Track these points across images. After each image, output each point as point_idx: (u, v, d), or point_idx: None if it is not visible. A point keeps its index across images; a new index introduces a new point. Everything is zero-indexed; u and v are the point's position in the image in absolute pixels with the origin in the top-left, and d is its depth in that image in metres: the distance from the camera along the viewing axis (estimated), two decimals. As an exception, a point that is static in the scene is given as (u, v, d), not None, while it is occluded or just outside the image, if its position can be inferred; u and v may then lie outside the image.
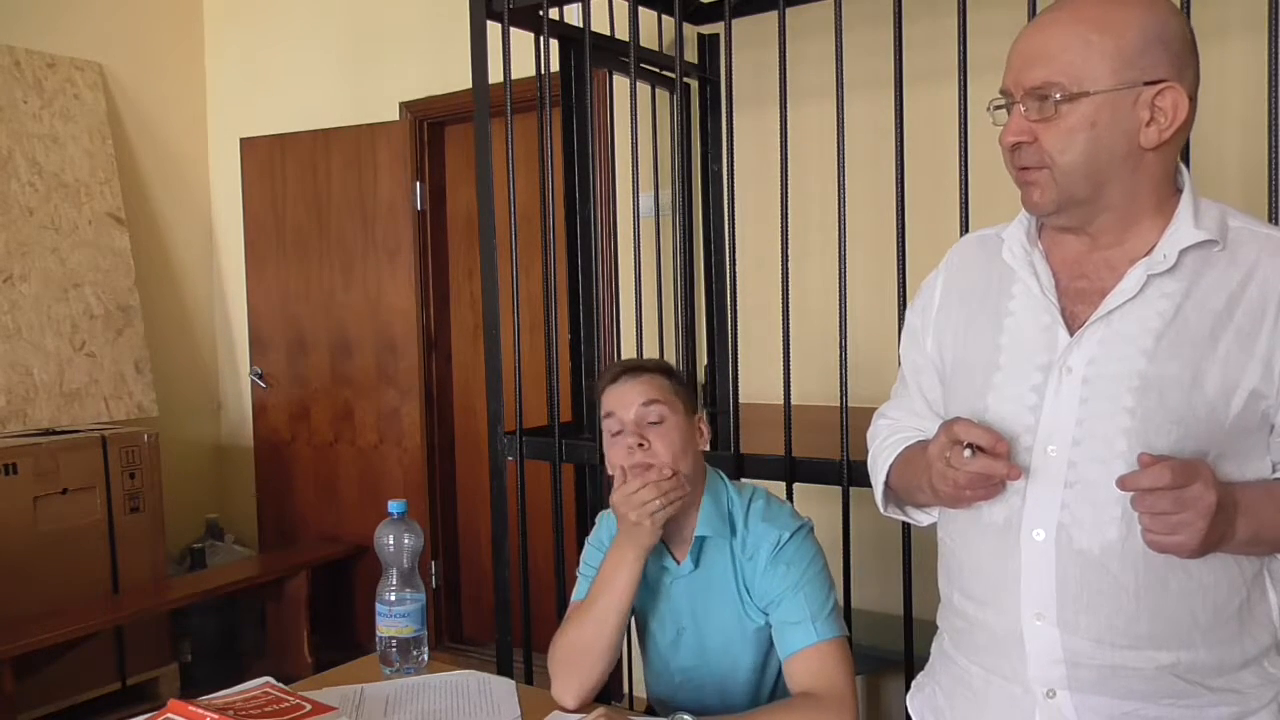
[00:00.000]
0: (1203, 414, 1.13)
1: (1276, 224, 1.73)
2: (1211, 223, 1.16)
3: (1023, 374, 1.21)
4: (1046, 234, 1.27)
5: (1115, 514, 1.15)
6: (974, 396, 1.26)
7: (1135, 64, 1.12)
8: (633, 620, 1.80)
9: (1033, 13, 1.92)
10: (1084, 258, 1.22)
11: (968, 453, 1.14)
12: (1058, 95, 1.13)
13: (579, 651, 1.67)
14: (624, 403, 1.66)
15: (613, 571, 1.65)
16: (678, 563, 1.72)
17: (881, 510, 1.46)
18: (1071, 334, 1.18)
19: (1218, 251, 1.15)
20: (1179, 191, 1.20)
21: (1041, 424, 1.19)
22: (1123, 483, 1.07)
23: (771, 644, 1.67)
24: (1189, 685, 1.17)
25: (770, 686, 1.73)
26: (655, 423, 1.64)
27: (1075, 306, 1.20)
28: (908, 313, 1.45)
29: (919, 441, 1.36)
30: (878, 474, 1.44)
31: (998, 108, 1.22)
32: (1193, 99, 1.15)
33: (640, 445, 1.62)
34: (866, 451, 2.15)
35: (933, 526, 1.47)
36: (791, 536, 1.66)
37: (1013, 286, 1.26)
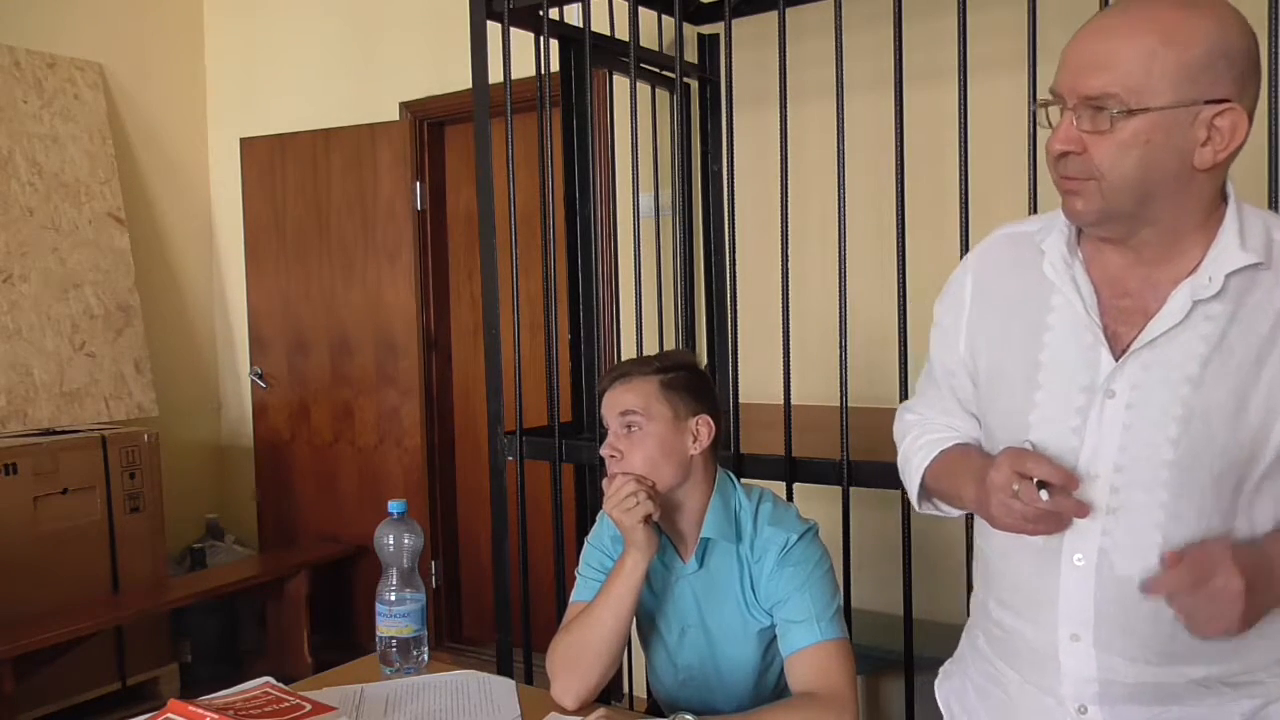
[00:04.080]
0: (1246, 441, 1.11)
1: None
2: (1257, 241, 1.12)
3: (1065, 395, 1.19)
4: (1087, 242, 1.22)
5: (1156, 540, 1.14)
6: (1016, 413, 1.24)
7: (1198, 81, 1.07)
8: (635, 619, 1.80)
9: (1033, 12, 1.92)
10: (1127, 273, 1.18)
11: (1044, 493, 1.12)
12: (1115, 109, 1.07)
13: (579, 653, 1.67)
14: (608, 409, 1.71)
15: (614, 576, 1.68)
16: (683, 562, 1.73)
17: (917, 508, 1.44)
18: (1115, 356, 1.16)
19: (1263, 270, 1.12)
20: (1225, 201, 1.16)
21: (1085, 448, 1.17)
22: (1147, 589, 1.09)
23: (775, 644, 1.68)
24: (1215, 687, 1.19)
25: (772, 686, 1.73)
26: (631, 431, 1.67)
27: (1118, 326, 1.17)
28: (936, 308, 1.41)
29: (957, 445, 1.35)
30: (912, 475, 1.41)
31: (1046, 105, 1.16)
32: (1251, 117, 1.11)
33: (613, 456, 1.68)
34: (867, 451, 2.16)
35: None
36: (799, 539, 1.67)
37: (1052, 297, 1.22)
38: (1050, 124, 1.15)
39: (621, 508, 1.62)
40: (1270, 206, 1.74)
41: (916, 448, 1.41)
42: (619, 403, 1.70)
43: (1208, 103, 1.07)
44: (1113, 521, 1.16)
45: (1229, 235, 1.12)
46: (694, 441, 1.70)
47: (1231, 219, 1.13)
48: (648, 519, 1.64)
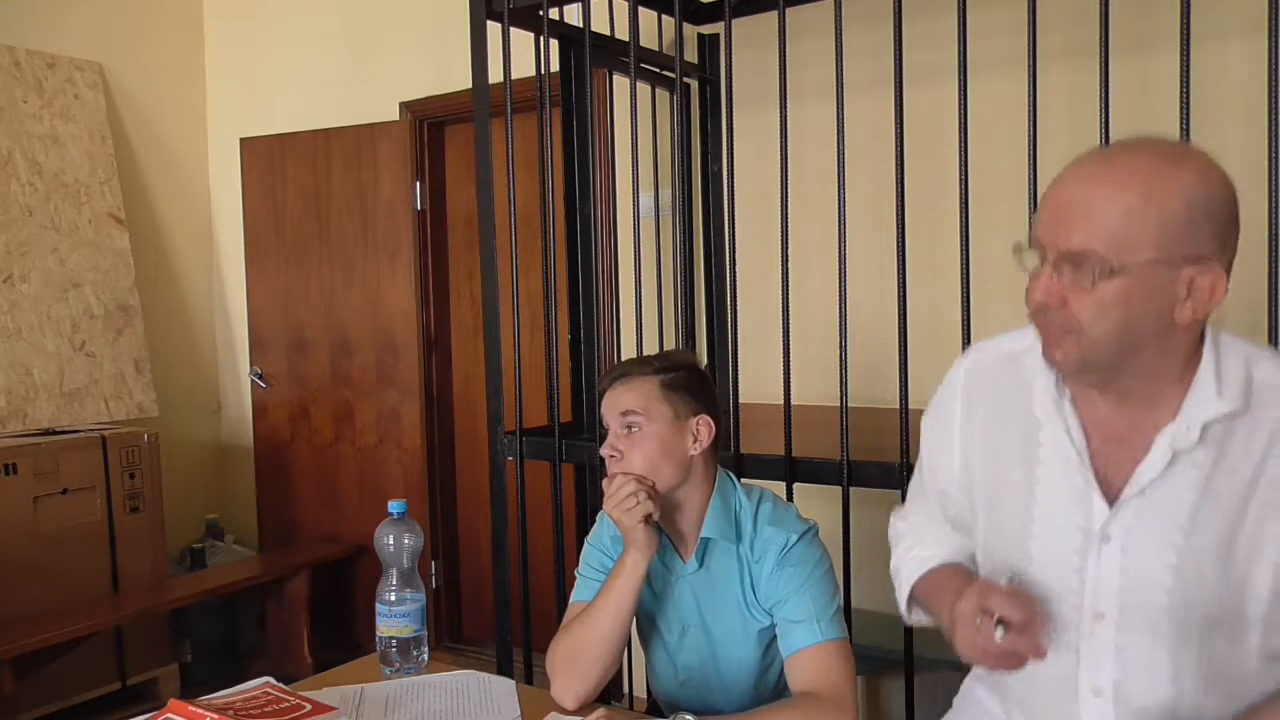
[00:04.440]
0: (1236, 581, 1.14)
1: (1277, 224, 1.73)
2: (1235, 385, 1.13)
3: (1062, 534, 1.21)
4: (1072, 379, 1.23)
5: (1168, 673, 1.17)
6: (1015, 543, 1.26)
7: (1179, 238, 1.06)
8: (635, 619, 1.80)
9: (1033, 12, 1.92)
10: (1114, 416, 1.19)
11: (999, 631, 1.14)
12: (1096, 269, 1.07)
13: (579, 653, 1.67)
14: (609, 410, 1.71)
15: (614, 576, 1.68)
16: (683, 562, 1.73)
17: (906, 617, 1.47)
18: (1109, 501, 1.18)
19: (1240, 416, 1.13)
20: (1203, 343, 1.16)
21: (1087, 588, 1.19)
22: None
23: (775, 644, 1.68)
24: None
25: (772, 686, 1.73)
26: (632, 431, 1.67)
27: (1109, 470, 1.19)
28: (924, 423, 1.42)
29: (946, 565, 1.38)
30: (901, 585, 1.44)
31: (1021, 250, 1.16)
32: (1229, 271, 1.11)
33: (613, 456, 1.68)
34: (867, 451, 2.16)
35: None
36: (799, 539, 1.67)
37: (1041, 432, 1.23)
38: (1025, 267, 1.16)
39: (621, 508, 1.62)
40: (1271, 208, 1.74)
41: (907, 559, 1.44)
42: (619, 403, 1.70)
43: (1188, 261, 1.07)
44: (1123, 658, 1.19)
45: (1205, 383, 1.13)
46: (694, 441, 1.70)
47: (1208, 365, 1.14)
48: (648, 519, 1.64)
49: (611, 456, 1.69)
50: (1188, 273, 1.07)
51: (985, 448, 1.30)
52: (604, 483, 1.70)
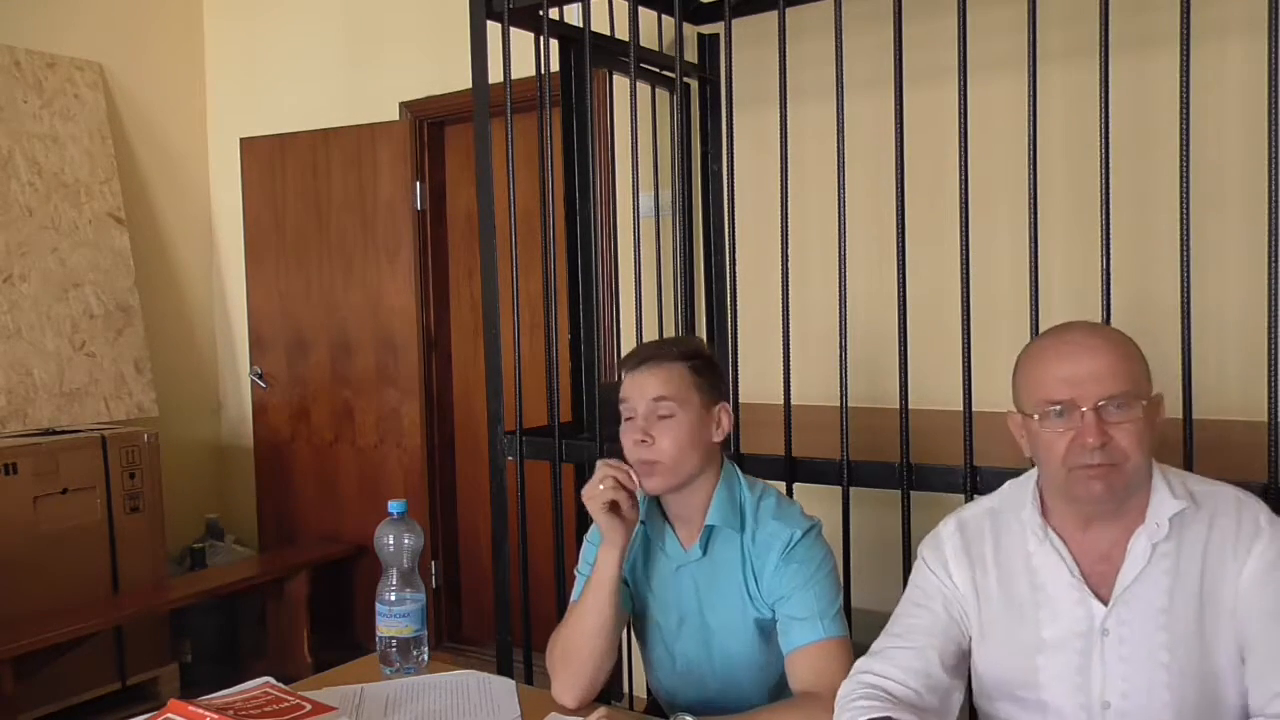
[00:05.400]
0: (1217, 651, 1.33)
1: (1277, 226, 1.73)
2: (1180, 489, 1.39)
3: (1066, 641, 1.40)
4: (1050, 516, 1.44)
5: None
6: (1022, 660, 1.43)
7: (1147, 382, 1.38)
8: (632, 612, 1.80)
9: (1033, 12, 1.92)
10: (1095, 540, 1.41)
11: None
12: (1142, 402, 1.34)
13: (569, 649, 1.68)
14: (638, 393, 1.68)
15: (595, 570, 1.68)
16: (685, 549, 1.73)
17: None
18: (1103, 602, 1.38)
19: (1189, 510, 1.38)
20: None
21: (1092, 682, 1.38)
22: None
23: (773, 636, 1.68)
24: None
25: (773, 678, 1.73)
26: (664, 417, 1.65)
27: (1099, 582, 1.39)
28: (920, 572, 1.54)
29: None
30: None
31: (1055, 415, 1.36)
32: None
33: (644, 441, 1.65)
34: (867, 451, 2.16)
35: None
36: (803, 536, 1.67)
37: (1036, 562, 1.43)
38: (1023, 433, 1.42)
39: (588, 494, 1.64)
40: (1271, 208, 1.74)
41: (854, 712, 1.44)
42: (650, 388, 1.66)
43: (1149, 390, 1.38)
44: None
45: (1160, 488, 1.39)
46: (717, 429, 1.70)
47: (1158, 477, 1.40)
48: (614, 508, 1.64)
49: (643, 441, 1.65)
50: (1155, 399, 1.37)
51: (988, 593, 1.46)
52: (633, 466, 1.68)
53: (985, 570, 1.47)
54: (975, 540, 1.49)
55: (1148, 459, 1.37)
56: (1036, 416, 1.37)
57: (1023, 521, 1.45)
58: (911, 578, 1.55)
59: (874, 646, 1.51)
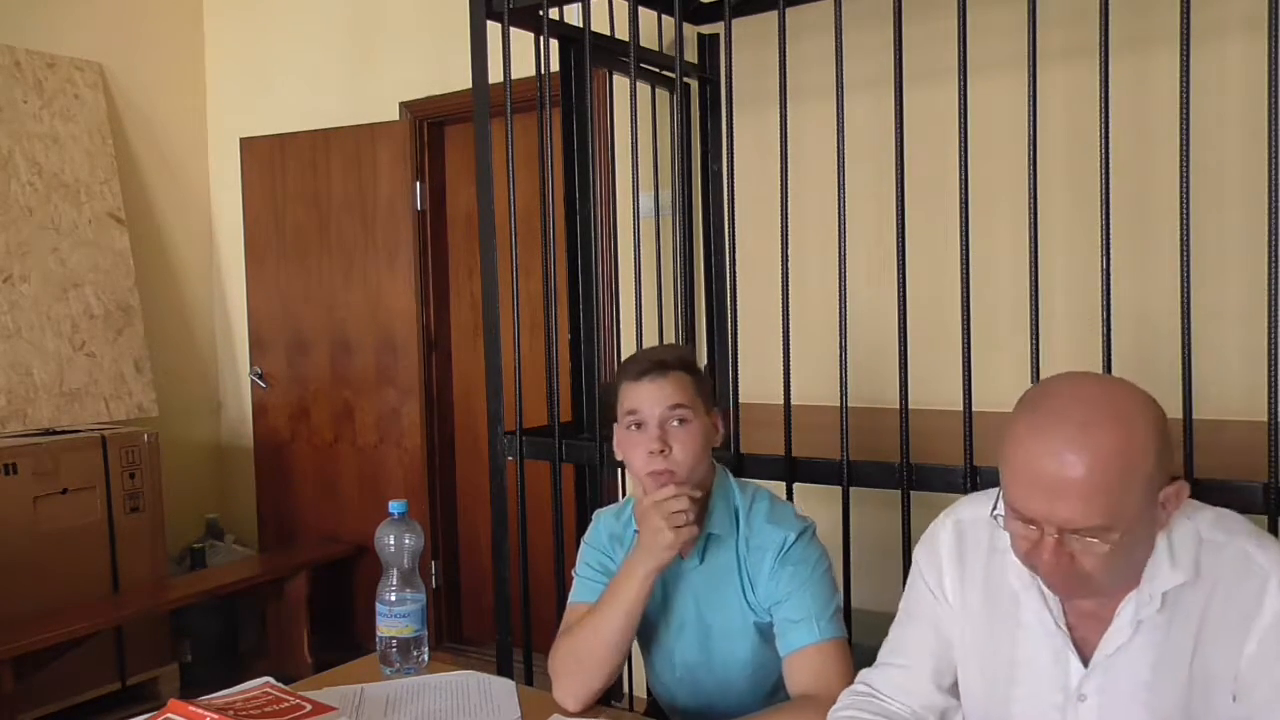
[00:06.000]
0: (1201, 714, 1.25)
1: (1277, 226, 1.73)
2: (1186, 556, 1.26)
3: (1043, 694, 1.34)
4: None
5: None
6: (999, 699, 1.38)
7: (1155, 480, 1.19)
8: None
9: (1033, 13, 1.92)
10: None
11: None
12: (1111, 538, 1.18)
13: (584, 657, 1.66)
14: (650, 402, 1.64)
15: (625, 582, 1.64)
16: (683, 557, 1.72)
17: None
18: (1084, 662, 1.31)
19: (1188, 586, 1.26)
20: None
21: None
22: None
23: (772, 640, 1.67)
24: None
25: (770, 683, 1.73)
26: (680, 424, 1.64)
27: (1082, 633, 1.32)
28: (914, 583, 1.48)
29: None
30: None
31: (1022, 520, 1.23)
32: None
33: (661, 450, 1.62)
34: (867, 451, 2.16)
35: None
36: (798, 538, 1.67)
37: (1020, 597, 1.35)
38: (1004, 525, 1.27)
39: (673, 522, 1.58)
40: (1271, 208, 1.74)
41: None
42: (666, 395, 1.63)
43: (1162, 487, 1.21)
44: None
45: (1161, 557, 1.26)
46: (717, 435, 1.71)
47: (1162, 543, 1.26)
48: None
49: (662, 452, 1.62)
50: (1163, 495, 1.21)
51: (972, 609, 1.41)
52: (644, 479, 1.63)
53: (974, 585, 1.41)
54: (971, 550, 1.42)
55: (1124, 570, 1.24)
56: (1006, 510, 1.26)
57: (1020, 567, 1.34)
58: (909, 580, 1.51)
59: (879, 655, 1.50)
